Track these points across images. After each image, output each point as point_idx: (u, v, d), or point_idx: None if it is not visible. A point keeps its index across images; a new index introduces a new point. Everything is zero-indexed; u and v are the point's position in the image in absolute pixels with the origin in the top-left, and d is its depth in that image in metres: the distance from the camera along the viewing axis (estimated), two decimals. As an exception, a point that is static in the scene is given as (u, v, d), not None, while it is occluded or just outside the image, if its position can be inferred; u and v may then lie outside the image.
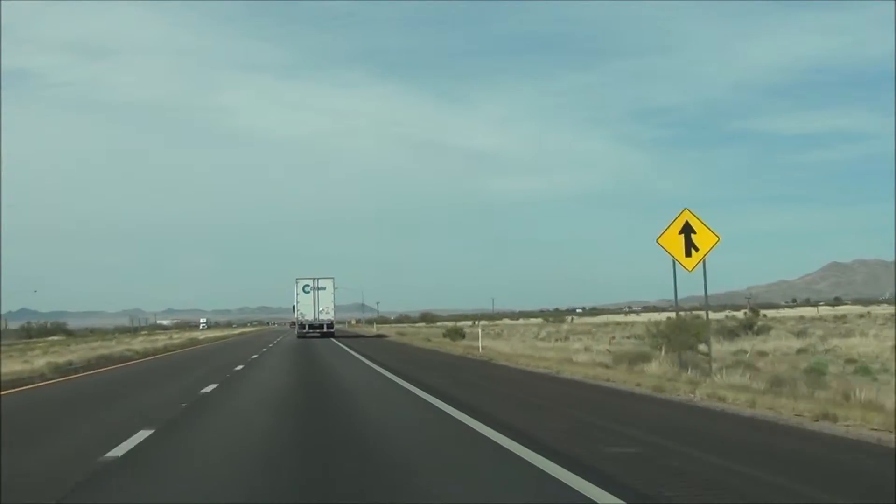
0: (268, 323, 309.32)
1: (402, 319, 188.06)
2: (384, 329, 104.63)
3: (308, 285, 69.04)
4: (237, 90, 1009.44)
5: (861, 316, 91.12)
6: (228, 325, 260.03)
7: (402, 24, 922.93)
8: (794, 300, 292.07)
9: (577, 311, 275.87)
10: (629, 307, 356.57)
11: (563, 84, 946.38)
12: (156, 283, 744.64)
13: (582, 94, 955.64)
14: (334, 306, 69.51)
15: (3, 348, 45.46)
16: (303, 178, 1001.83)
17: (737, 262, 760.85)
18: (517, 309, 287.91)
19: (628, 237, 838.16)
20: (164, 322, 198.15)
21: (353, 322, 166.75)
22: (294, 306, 69.68)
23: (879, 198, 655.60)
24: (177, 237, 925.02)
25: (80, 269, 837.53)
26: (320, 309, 68.47)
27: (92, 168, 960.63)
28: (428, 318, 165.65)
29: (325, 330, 67.38)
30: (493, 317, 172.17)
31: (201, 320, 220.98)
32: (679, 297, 19.59)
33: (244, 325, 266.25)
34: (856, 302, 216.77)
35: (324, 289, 69.05)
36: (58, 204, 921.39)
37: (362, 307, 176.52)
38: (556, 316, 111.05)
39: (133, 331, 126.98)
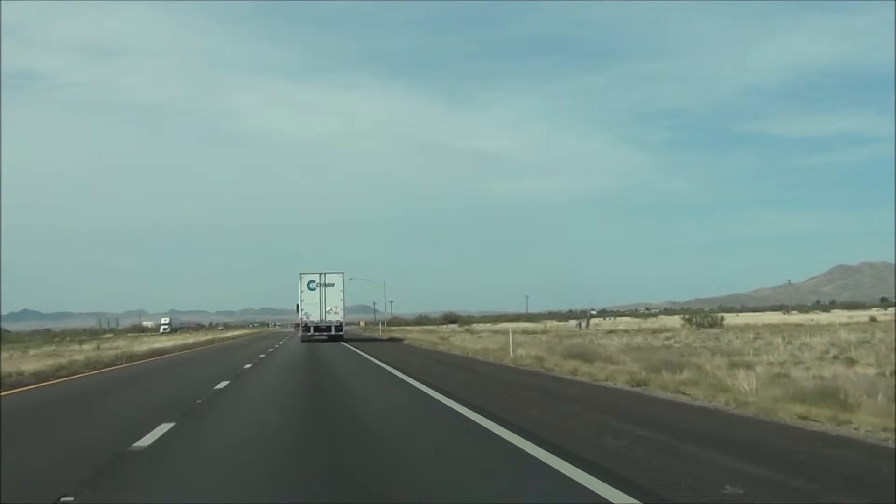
0: (268, 325, 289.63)
1: (422, 321, 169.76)
2: (409, 333, 79.25)
3: (314, 281, 60.95)
4: (246, 92, 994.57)
5: None
6: (226, 326, 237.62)
7: (411, 26, 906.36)
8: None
9: (592, 311, 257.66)
10: (647, 308, 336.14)
11: (571, 86, 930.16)
12: (161, 284, 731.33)
13: (590, 97, 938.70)
14: (344, 306, 61.29)
15: None
16: (311, 180, 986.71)
17: (742, 265, 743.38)
18: (524, 311, 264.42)
19: (635, 240, 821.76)
20: (147, 324, 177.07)
21: (362, 324, 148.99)
22: (298, 306, 61.39)
23: (886, 201, 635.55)
24: (183, 238, 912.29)
25: (86, 270, 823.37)
26: (328, 308, 59.96)
27: (99, 169, 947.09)
28: (461, 321, 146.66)
29: (332, 332, 59.71)
30: (531, 318, 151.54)
31: (162, 321, 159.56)
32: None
33: (245, 327, 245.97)
34: None
35: (332, 285, 60.86)
36: (64, 204, 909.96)
37: (373, 308, 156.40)
38: (702, 315, 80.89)
39: (97, 334, 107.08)
